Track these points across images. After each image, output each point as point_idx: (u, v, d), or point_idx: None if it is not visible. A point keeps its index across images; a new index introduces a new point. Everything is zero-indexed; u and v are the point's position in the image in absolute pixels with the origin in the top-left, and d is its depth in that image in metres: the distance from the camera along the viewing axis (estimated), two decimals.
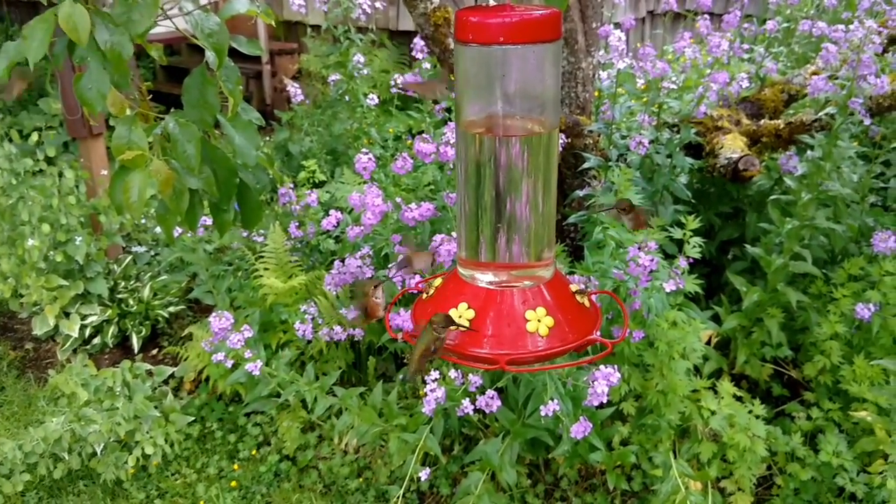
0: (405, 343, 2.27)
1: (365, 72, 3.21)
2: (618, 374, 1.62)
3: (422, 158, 2.14)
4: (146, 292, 2.88)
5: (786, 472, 2.01)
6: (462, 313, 0.69)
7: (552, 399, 1.70)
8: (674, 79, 2.39)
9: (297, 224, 2.56)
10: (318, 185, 3.30)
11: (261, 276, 2.49)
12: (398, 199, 2.25)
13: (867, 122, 1.96)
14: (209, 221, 2.25)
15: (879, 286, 2.08)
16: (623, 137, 2.36)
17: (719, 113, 2.46)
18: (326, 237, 2.65)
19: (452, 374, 1.83)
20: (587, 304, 0.75)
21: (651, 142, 2.23)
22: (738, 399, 2.05)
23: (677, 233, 2.01)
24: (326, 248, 2.66)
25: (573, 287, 0.75)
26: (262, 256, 2.56)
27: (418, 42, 2.54)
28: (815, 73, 2.52)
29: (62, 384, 2.33)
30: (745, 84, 2.34)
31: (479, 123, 0.67)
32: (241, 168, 1.07)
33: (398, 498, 1.95)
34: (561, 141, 2.25)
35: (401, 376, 2.38)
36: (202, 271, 2.55)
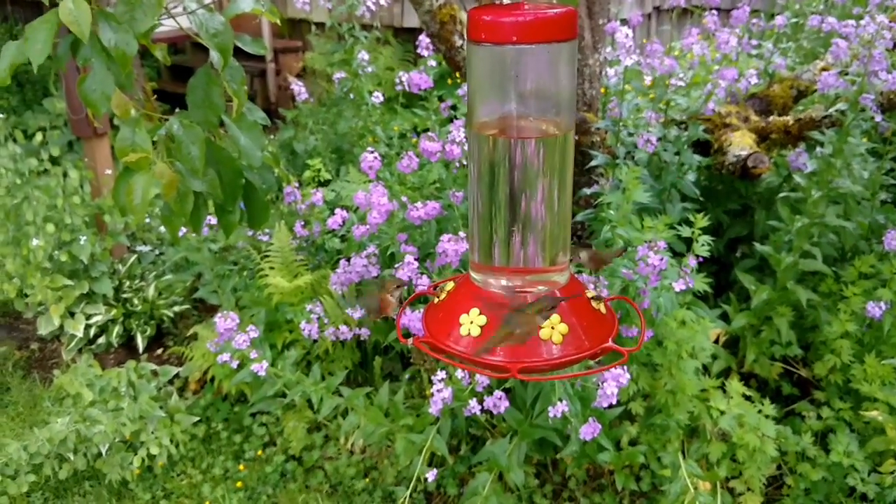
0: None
1: (369, 69, 3.19)
2: (627, 375, 1.60)
3: (427, 157, 2.13)
4: (151, 292, 2.87)
5: (796, 472, 1.99)
6: (474, 319, 0.68)
7: (560, 400, 1.68)
8: (681, 75, 2.37)
9: (302, 223, 2.54)
10: (324, 183, 3.29)
11: (266, 275, 2.47)
12: (404, 198, 2.24)
13: (878, 118, 1.94)
14: (214, 221, 2.24)
15: (891, 284, 2.06)
16: (630, 135, 2.35)
17: (727, 110, 2.44)
18: (332, 236, 2.64)
19: (459, 374, 1.82)
20: (603, 310, 0.73)
21: (659, 139, 2.22)
22: (748, 398, 2.03)
23: (686, 231, 1.99)
24: (332, 248, 2.64)
25: (589, 293, 0.73)
26: (267, 256, 2.55)
27: (423, 39, 2.52)
28: (824, 69, 2.50)
29: (67, 384, 2.32)
30: (754, 80, 2.32)
31: (492, 125, 0.66)
32: (247, 169, 1.06)
33: (405, 498, 1.94)
34: None
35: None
36: (207, 271, 2.54)
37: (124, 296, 2.88)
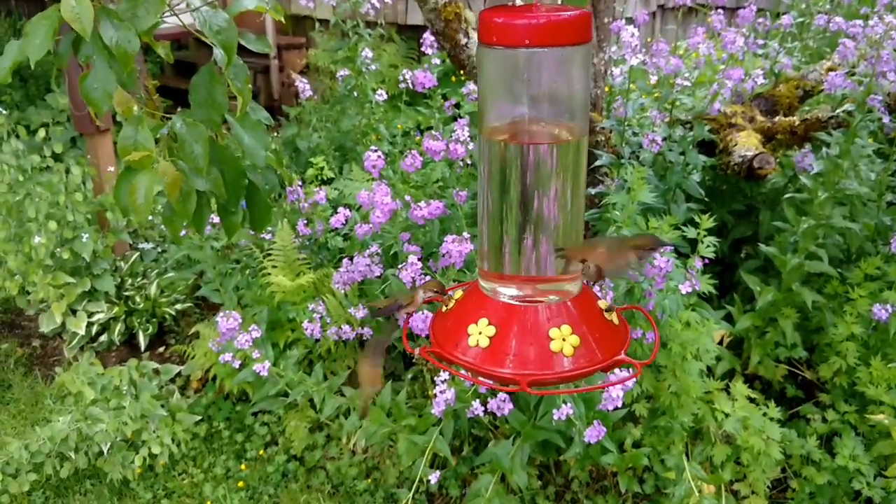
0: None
1: (373, 67, 3.18)
2: (633, 378, 1.59)
3: (431, 156, 2.12)
4: (153, 289, 2.86)
5: (801, 476, 1.98)
6: (482, 329, 0.66)
7: (565, 402, 1.67)
8: (686, 75, 2.35)
9: (305, 221, 2.53)
10: (327, 181, 3.27)
11: (268, 273, 2.46)
12: (407, 198, 2.23)
13: (886, 119, 1.93)
14: (217, 220, 2.23)
15: None
16: (635, 134, 2.33)
17: (733, 110, 2.42)
18: (335, 235, 2.63)
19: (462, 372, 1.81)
20: (615, 320, 0.71)
21: (664, 139, 2.20)
22: (752, 401, 2.02)
23: (691, 232, 1.97)
24: (335, 246, 2.63)
25: (602, 303, 0.71)
26: (269, 254, 2.54)
27: (428, 37, 2.50)
28: (830, 69, 2.48)
29: (69, 383, 2.31)
30: (761, 80, 2.30)
31: (503, 130, 0.64)
32: (250, 169, 1.05)
33: (407, 500, 1.93)
34: None
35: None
36: (209, 269, 2.53)
37: (126, 293, 2.87)
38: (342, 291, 2.30)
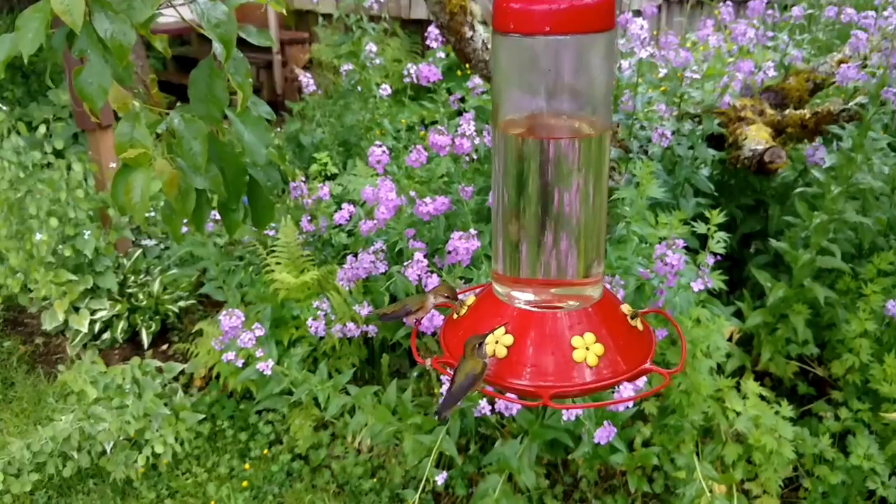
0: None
1: (377, 61, 3.14)
2: (644, 378, 1.56)
3: (436, 151, 2.09)
4: (156, 287, 2.84)
5: (814, 475, 1.94)
6: (499, 338, 0.61)
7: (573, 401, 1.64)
8: (695, 68, 2.31)
9: (308, 218, 2.50)
10: (331, 177, 3.24)
11: (272, 270, 2.44)
12: (412, 193, 2.19)
13: None
14: (218, 218, 2.20)
15: None
16: (643, 129, 2.30)
17: (742, 103, 2.38)
18: (339, 231, 2.60)
19: None
20: (640, 326, 0.67)
21: (673, 133, 2.16)
22: (763, 398, 1.99)
23: (701, 227, 1.94)
24: (339, 243, 2.60)
25: (625, 308, 0.67)
26: (273, 251, 2.51)
27: (432, 31, 2.47)
28: (842, 62, 2.44)
29: (71, 381, 2.29)
30: (772, 73, 2.26)
31: (520, 124, 0.59)
32: (251, 165, 1.02)
33: (414, 500, 1.90)
34: None
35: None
36: (212, 266, 2.51)
37: (129, 291, 2.85)
38: (347, 288, 2.27)
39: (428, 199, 2.07)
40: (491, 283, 0.67)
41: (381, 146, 2.13)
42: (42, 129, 2.72)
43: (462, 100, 2.72)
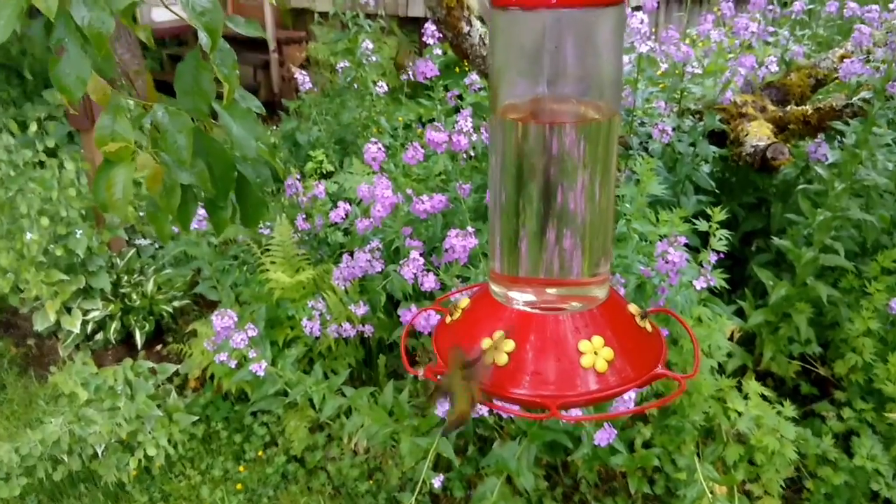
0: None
1: (374, 59, 3.11)
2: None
3: (433, 148, 2.05)
4: (150, 287, 2.80)
5: (816, 476, 1.91)
6: (499, 344, 0.56)
7: None
8: (696, 63, 2.28)
9: (304, 216, 2.47)
10: (326, 175, 3.21)
11: (267, 270, 2.40)
12: (409, 191, 2.16)
13: None
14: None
15: None
16: (643, 125, 2.26)
17: (743, 99, 2.35)
18: (335, 229, 2.56)
19: None
20: (649, 328, 0.62)
21: (673, 129, 2.13)
22: (765, 398, 1.95)
23: (702, 225, 1.91)
24: (335, 241, 2.57)
25: (632, 309, 0.62)
26: (268, 250, 2.48)
27: (429, 27, 2.44)
28: (843, 57, 2.41)
29: (61, 383, 2.26)
30: (774, 68, 2.23)
31: (521, 108, 0.54)
32: (240, 161, 0.98)
33: (410, 503, 1.87)
34: None
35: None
36: (206, 266, 2.47)
37: (122, 291, 2.81)
38: (342, 288, 2.24)
39: (425, 197, 2.04)
40: (486, 283, 0.62)
41: (376, 143, 2.09)
42: (33, 127, 2.68)
43: (460, 97, 2.69)
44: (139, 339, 2.73)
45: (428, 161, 2.64)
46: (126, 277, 2.84)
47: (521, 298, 0.59)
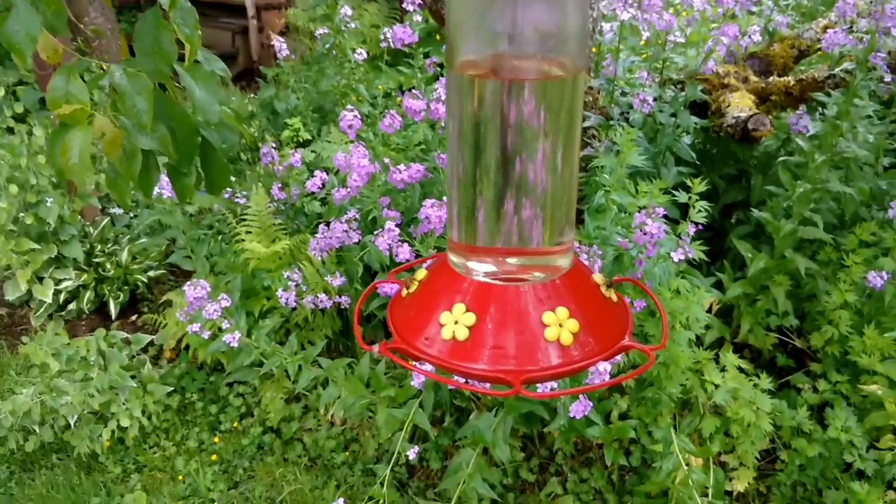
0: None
1: (353, 25, 3.05)
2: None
3: (411, 116, 2.02)
4: (124, 256, 2.76)
5: (791, 447, 1.92)
6: (459, 318, 0.53)
7: None
8: (678, 32, 2.25)
9: (280, 185, 2.43)
10: (304, 144, 3.16)
11: (242, 240, 2.36)
12: (386, 160, 2.13)
13: (888, 78, 1.84)
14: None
15: (893, 253, 1.97)
16: (624, 94, 2.23)
17: (726, 70, 2.32)
18: (312, 199, 2.53)
19: None
20: (614, 298, 0.59)
21: (654, 99, 2.11)
22: (742, 371, 1.96)
23: (682, 196, 1.89)
24: (312, 211, 2.53)
25: (597, 278, 0.59)
26: (244, 219, 2.44)
27: None
28: (827, 27, 2.38)
29: (32, 354, 2.22)
30: (757, 38, 2.20)
31: (480, 64, 0.51)
32: (204, 126, 0.95)
33: (385, 474, 1.86)
34: None
35: None
36: (180, 235, 2.43)
37: (96, 260, 2.76)
38: (319, 258, 2.21)
39: (402, 167, 2.01)
40: (445, 254, 0.59)
41: (352, 110, 2.05)
42: (1, 92, 2.61)
43: (440, 65, 2.64)
44: (113, 309, 2.69)
45: (407, 130, 2.60)
46: (100, 247, 2.80)
47: (480, 269, 0.56)
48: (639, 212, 1.73)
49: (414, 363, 0.55)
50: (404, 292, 0.60)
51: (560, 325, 0.53)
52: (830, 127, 1.93)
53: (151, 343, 2.53)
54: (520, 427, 2.06)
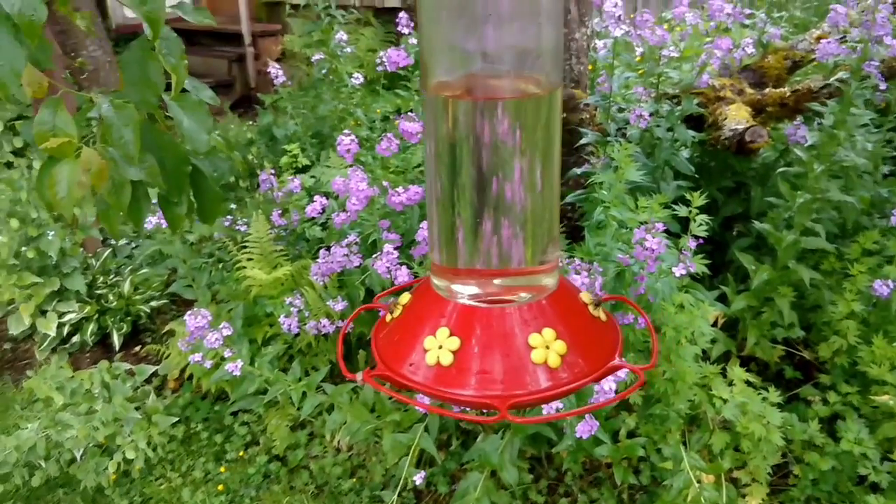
0: None
1: (348, 50, 3.06)
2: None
3: (407, 138, 2.02)
4: (126, 287, 2.75)
5: (803, 461, 1.90)
6: (443, 342, 0.52)
7: None
8: (672, 47, 2.25)
9: (279, 212, 2.43)
10: (303, 169, 3.17)
11: (244, 267, 2.36)
12: (385, 183, 2.12)
13: (883, 86, 1.83)
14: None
15: None
16: (621, 111, 2.23)
17: (721, 82, 2.32)
18: (312, 224, 2.52)
19: None
20: (603, 317, 0.58)
21: (651, 114, 2.10)
22: (750, 384, 1.93)
23: (682, 210, 1.88)
24: (313, 236, 2.53)
25: (584, 297, 0.57)
26: (244, 246, 2.44)
27: (403, 16, 2.40)
28: (820, 38, 2.39)
29: (36, 388, 2.21)
30: (751, 50, 2.20)
31: (454, 85, 0.50)
32: (194, 155, 0.95)
33: (393, 500, 1.84)
34: None
35: None
36: (180, 264, 2.42)
37: (98, 292, 2.76)
38: (321, 283, 2.20)
39: (400, 189, 2.00)
40: (428, 277, 0.58)
41: (349, 135, 2.06)
42: (0, 127, 2.62)
43: None
44: (116, 340, 2.69)
45: (405, 153, 2.61)
46: (102, 278, 2.80)
47: (464, 291, 0.54)
48: (639, 227, 1.72)
49: (400, 391, 0.54)
50: (388, 317, 0.59)
51: (547, 346, 0.52)
52: (828, 136, 1.92)
53: (155, 374, 2.52)
54: (527, 448, 2.04)
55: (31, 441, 2.07)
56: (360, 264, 2.08)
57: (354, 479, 2.15)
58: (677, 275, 1.71)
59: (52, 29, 2.85)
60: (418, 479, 1.75)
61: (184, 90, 0.91)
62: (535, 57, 0.49)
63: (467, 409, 0.58)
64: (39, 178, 0.82)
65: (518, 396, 0.50)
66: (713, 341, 2.12)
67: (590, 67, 2.45)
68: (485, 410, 0.52)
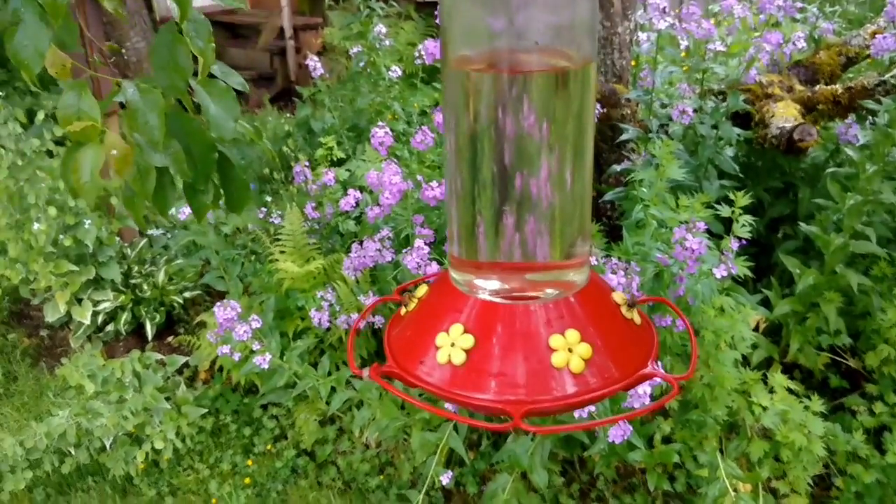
0: None
1: (387, 43, 3.03)
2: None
3: (442, 132, 1.98)
4: (161, 277, 2.76)
5: (846, 474, 1.82)
6: (456, 340, 0.48)
7: None
8: (718, 42, 2.18)
9: (313, 205, 2.41)
10: (338, 162, 3.15)
11: (276, 259, 2.35)
12: (419, 177, 2.09)
13: None
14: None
15: None
16: (664, 106, 2.17)
17: (769, 79, 2.25)
18: (346, 218, 2.50)
19: None
20: (637, 319, 0.53)
21: (695, 111, 2.04)
22: (792, 392, 1.87)
23: (725, 210, 1.82)
24: (346, 230, 2.51)
25: (617, 297, 0.52)
26: (278, 239, 2.42)
27: None
28: (876, 33, 2.29)
29: (69, 375, 2.22)
30: (801, 45, 2.12)
31: (478, 58, 0.45)
32: (220, 142, 0.92)
33: (418, 500, 1.81)
34: (596, 111, 2.05)
35: None
36: (213, 255, 2.42)
37: (133, 282, 2.77)
38: (353, 278, 2.18)
39: (434, 184, 1.97)
40: (447, 270, 0.53)
41: (383, 127, 2.02)
42: (40, 115, 2.64)
43: None
44: (150, 330, 2.70)
45: (441, 147, 2.57)
46: (137, 268, 2.81)
47: (486, 286, 0.50)
48: (679, 226, 1.66)
49: (407, 389, 0.50)
50: (403, 311, 0.54)
51: (570, 349, 0.47)
52: (882, 136, 1.84)
53: (186, 364, 2.52)
54: (559, 451, 1.99)
55: (61, 428, 2.08)
56: (393, 259, 2.05)
57: (382, 477, 2.12)
58: (718, 276, 1.65)
59: (99, 20, 2.87)
60: (445, 478, 1.72)
61: (212, 76, 0.88)
62: (566, 29, 0.44)
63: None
64: (64, 163, 0.80)
65: (533, 403, 0.45)
66: (754, 346, 2.05)
67: (632, 62, 2.39)
68: (497, 416, 0.48)
